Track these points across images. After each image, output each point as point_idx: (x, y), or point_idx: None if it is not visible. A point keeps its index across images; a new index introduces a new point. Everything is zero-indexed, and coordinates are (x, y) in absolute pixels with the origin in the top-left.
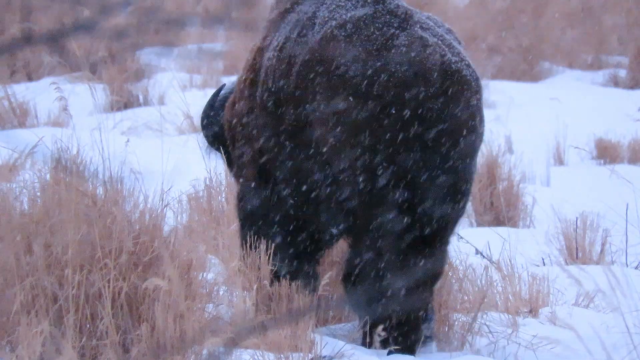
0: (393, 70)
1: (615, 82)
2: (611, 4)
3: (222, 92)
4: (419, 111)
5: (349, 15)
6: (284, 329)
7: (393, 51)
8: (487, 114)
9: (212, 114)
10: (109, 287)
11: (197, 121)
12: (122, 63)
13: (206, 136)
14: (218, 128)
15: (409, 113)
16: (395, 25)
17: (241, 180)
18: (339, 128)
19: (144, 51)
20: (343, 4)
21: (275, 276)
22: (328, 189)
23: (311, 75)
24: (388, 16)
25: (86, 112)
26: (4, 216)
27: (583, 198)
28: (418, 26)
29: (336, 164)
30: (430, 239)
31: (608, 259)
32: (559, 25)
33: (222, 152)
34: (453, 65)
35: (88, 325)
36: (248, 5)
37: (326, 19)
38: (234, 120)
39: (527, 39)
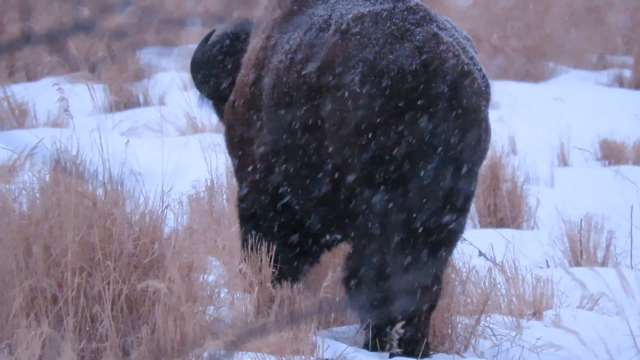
0: (404, 63)
1: (620, 82)
2: (616, 3)
3: (212, 37)
4: (427, 107)
5: (367, 9)
6: (286, 332)
7: (407, 45)
8: (491, 114)
9: (203, 62)
10: (108, 289)
11: (198, 122)
12: (122, 63)
13: (197, 86)
14: (212, 77)
15: (416, 108)
16: (412, 21)
17: (241, 180)
18: (347, 123)
19: (144, 51)
20: (361, 2)
21: (277, 278)
22: (331, 190)
23: (326, 71)
24: (406, 12)
25: (86, 113)
26: (3, 218)
27: (587, 199)
28: (435, 25)
29: (340, 160)
30: (432, 243)
31: (613, 261)
32: (563, 25)
33: (213, 104)
34: (465, 67)
35: (88, 328)
36: (248, 4)
37: (342, 15)
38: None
39: (531, 39)
